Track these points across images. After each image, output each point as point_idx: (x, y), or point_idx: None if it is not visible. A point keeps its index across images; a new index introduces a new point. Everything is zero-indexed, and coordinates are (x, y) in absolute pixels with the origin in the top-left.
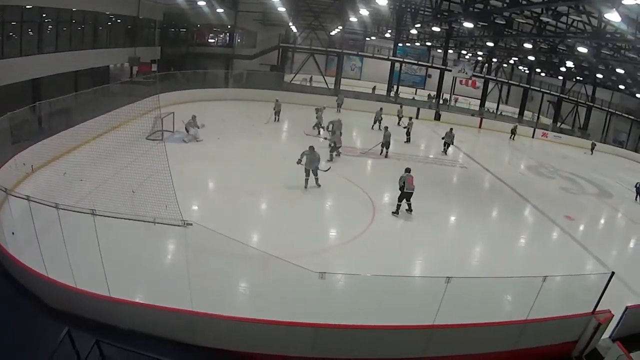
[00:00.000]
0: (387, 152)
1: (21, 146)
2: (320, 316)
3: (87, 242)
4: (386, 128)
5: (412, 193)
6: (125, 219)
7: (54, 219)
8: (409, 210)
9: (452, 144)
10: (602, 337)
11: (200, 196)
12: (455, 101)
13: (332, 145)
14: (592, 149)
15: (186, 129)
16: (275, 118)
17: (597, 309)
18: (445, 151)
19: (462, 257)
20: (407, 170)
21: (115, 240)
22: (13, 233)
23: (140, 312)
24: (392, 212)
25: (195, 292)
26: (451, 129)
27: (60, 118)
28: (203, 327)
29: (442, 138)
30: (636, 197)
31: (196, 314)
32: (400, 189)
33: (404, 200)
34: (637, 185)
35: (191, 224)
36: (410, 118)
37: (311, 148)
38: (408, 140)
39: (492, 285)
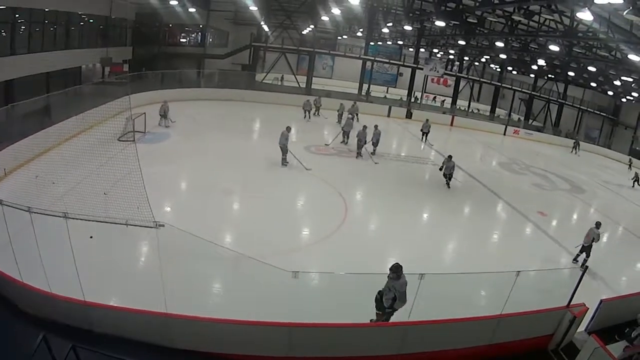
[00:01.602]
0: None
1: None
2: (295, 315)
3: (61, 246)
4: (376, 127)
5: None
6: (97, 221)
7: (27, 222)
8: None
9: (429, 132)
10: (578, 330)
11: (173, 197)
12: (434, 99)
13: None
14: (575, 147)
15: (161, 114)
16: (306, 116)
17: (572, 303)
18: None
19: (435, 254)
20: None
21: (89, 243)
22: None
23: (115, 316)
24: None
25: (169, 293)
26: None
27: (33, 120)
28: (178, 329)
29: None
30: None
31: (170, 315)
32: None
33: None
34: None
35: (163, 225)
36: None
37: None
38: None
39: (467, 281)
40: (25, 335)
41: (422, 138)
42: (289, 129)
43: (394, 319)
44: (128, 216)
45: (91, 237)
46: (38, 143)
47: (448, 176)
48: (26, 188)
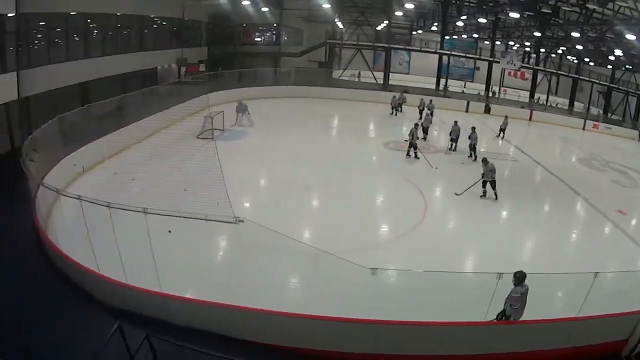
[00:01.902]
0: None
1: (72, 147)
2: (373, 312)
3: (139, 240)
4: (455, 122)
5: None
6: (176, 216)
7: (106, 217)
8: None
9: (506, 128)
10: None
11: (251, 193)
12: (505, 93)
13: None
14: None
15: (238, 113)
16: (393, 112)
17: None
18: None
19: (512, 253)
20: (519, 279)
21: (167, 238)
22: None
23: (192, 308)
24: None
25: (247, 287)
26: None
27: (110, 120)
28: (253, 323)
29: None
30: None
31: (247, 309)
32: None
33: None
34: None
35: (242, 221)
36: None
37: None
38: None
39: (543, 281)
40: (100, 324)
41: (500, 134)
42: (416, 125)
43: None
44: (207, 211)
45: (169, 231)
46: (116, 141)
47: (453, 141)
48: (104, 184)
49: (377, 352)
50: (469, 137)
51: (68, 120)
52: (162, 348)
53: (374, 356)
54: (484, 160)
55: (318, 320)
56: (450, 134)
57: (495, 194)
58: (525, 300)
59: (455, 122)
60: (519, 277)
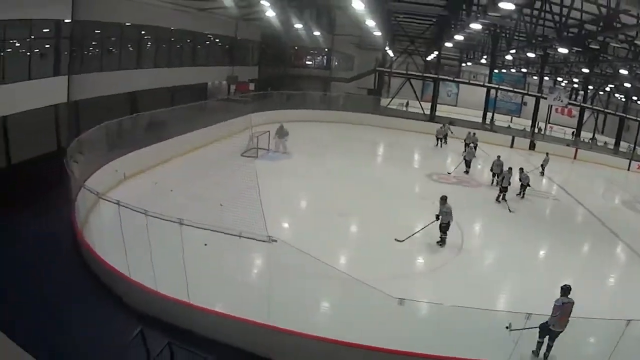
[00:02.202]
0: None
1: (116, 154)
2: (398, 342)
3: (172, 250)
4: (498, 157)
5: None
6: (211, 230)
7: (142, 225)
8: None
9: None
10: None
11: (289, 214)
12: (551, 130)
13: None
14: None
15: (277, 137)
16: (439, 144)
17: None
18: (493, 183)
19: (546, 293)
20: (565, 290)
21: (200, 251)
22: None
23: (217, 320)
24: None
25: (274, 307)
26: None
27: (156, 130)
28: (276, 342)
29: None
30: None
31: (273, 328)
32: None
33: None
34: None
35: (275, 241)
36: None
37: None
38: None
39: (573, 325)
40: (125, 327)
41: (541, 171)
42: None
43: None
44: (243, 228)
45: (205, 244)
46: (159, 152)
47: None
48: (144, 192)
49: None
50: (519, 178)
51: (115, 127)
52: (182, 357)
53: None
54: (442, 199)
55: (339, 345)
56: (491, 169)
57: (442, 240)
58: (569, 314)
59: (498, 156)
60: (565, 289)
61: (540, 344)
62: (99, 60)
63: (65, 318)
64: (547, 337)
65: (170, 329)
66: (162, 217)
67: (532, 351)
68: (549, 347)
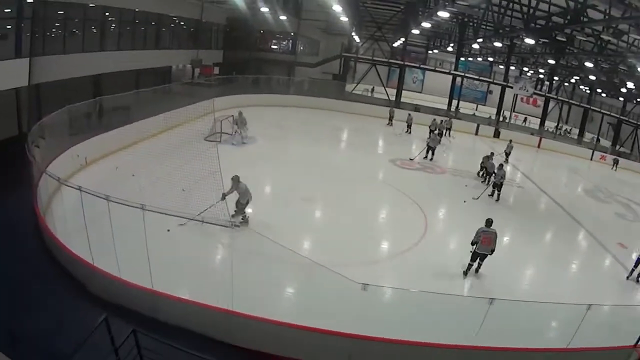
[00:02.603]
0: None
1: (78, 138)
2: (359, 328)
3: (135, 236)
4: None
5: (486, 255)
6: (174, 215)
7: (105, 211)
8: (477, 270)
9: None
10: None
11: (252, 199)
12: (516, 119)
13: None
14: None
15: (236, 126)
16: (408, 130)
17: None
18: (505, 160)
19: (508, 279)
20: (488, 222)
21: (164, 237)
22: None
23: (180, 307)
24: (463, 271)
25: (237, 292)
26: (510, 141)
27: (119, 114)
28: (240, 328)
29: (505, 150)
30: None
31: (235, 313)
32: (472, 244)
33: (477, 260)
34: None
35: (238, 226)
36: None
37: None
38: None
39: (536, 310)
40: (88, 315)
41: (505, 159)
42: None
43: None
44: (206, 214)
45: (168, 230)
46: (122, 137)
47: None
48: (106, 178)
49: None
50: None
51: (78, 111)
52: (147, 344)
53: None
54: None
55: (300, 330)
56: (482, 164)
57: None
58: (492, 242)
59: (492, 153)
60: (487, 221)
61: (470, 266)
62: (62, 42)
63: (26, 305)
64: (478, 258)
65: (134, 316)
66: (124, 202)
67: (463, 272)
68: (479, 266)
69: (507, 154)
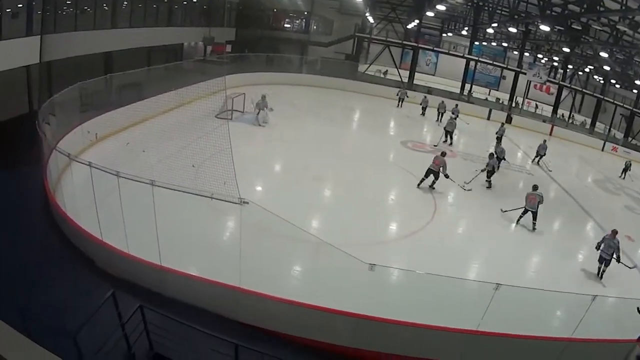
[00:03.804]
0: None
1: (89, 115)
2: (365, 308)
3: (145, 212)
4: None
5: (530, 212)
6: (183, 191)
7: (114, 187)
8: (518, 220)
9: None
10: None
11: (263, 177)
12: (528, 105)
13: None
14: None
15: (257, 109)
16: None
17: None
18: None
19: (516, 266)
20: (534, 187)
21: (172, 213)
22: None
23: (187, 283)
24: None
25: (245, 270)
26: (502, 124)
27: (130, 91)
28: (247, 304)
29: (496, 133)
30: None
31: (242, 290)
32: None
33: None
34: None
35: (247, 203)
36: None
37: None
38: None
39: (541, 298)
40: (96, 290)
41: (497, 142)
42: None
43: None
44: (215, 190)
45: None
46: (133, 113)
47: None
48: (116, 154)
49: (357, 346)
50: (495, 152)
51: (89, 88)
52: (154, 320)
53: (354, 350)
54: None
55: (307, 308)
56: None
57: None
58: (534, 201)
59: (491, 155)
60: (534, 186)
61: (521, 217)
62: (73, 20)
63: (35, 280)
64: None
65: (142, 291)
66: (133, 178)
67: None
68: (534, 218)
69: (499, 138)
